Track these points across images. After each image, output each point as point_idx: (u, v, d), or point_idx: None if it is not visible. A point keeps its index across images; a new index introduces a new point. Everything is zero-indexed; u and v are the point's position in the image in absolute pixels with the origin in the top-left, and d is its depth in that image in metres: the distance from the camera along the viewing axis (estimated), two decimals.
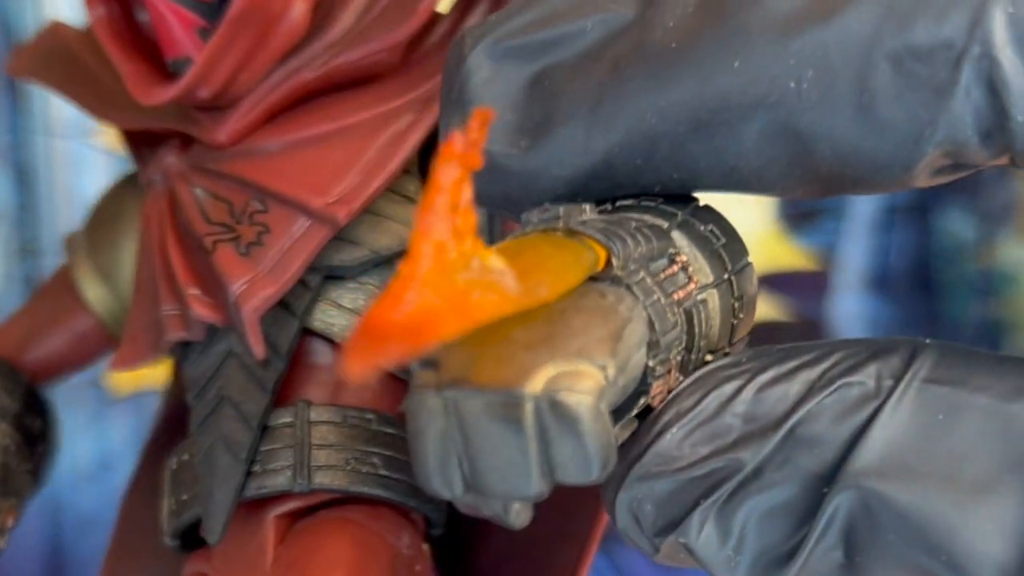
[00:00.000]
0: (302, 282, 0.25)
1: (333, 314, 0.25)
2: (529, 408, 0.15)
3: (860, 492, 0.17)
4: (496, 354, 0.15)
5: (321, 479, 0.24)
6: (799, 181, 0.18)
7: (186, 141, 0.26)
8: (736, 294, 0.19)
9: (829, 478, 0.17)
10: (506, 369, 0.15)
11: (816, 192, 0.18)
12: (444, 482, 0.15)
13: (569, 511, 0.26)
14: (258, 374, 0.25)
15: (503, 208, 0.20)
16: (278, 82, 0.25)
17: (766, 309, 0.49)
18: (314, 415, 0.25)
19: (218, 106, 0.25)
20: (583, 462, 0.15)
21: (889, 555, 0.17)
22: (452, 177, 0.14)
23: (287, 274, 0.24)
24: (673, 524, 0.18)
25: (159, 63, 0.25)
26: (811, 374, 0.18)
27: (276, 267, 0.24)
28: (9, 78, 0.49)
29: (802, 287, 0.50)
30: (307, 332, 0.25)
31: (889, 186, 0.18)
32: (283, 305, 0.25)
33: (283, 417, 0.25)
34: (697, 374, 0.19)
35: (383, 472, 0.25)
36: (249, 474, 0.24)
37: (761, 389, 0.18)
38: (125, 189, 0.29)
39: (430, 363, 0.15)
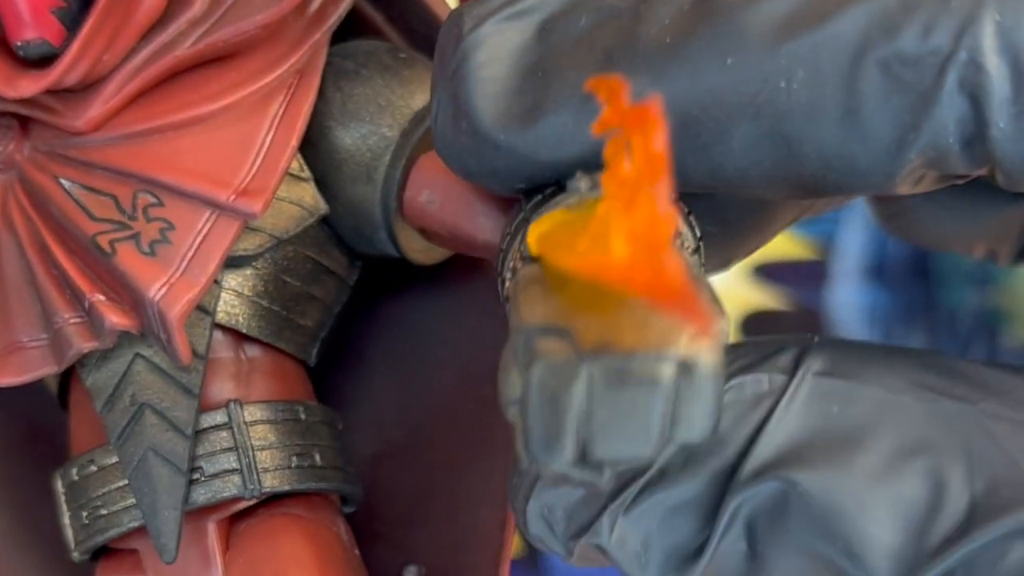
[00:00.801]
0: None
1: (236, 303, 0.25)
2: (672, 371, 0.15)
3: (761, 485, 0.18)
4: (631, 320, 0.15)
5: (271, 481, 0.24)
6: (783, 183, 0.18)
7: (23, 123, 0.24)
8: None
9: (731, 475, 0.18)
10: (649, 333, 0.15)
11: (799, 195, 0.19)
12: (558, 449, 0.15)
13: (475, 469, 0.26)
14: (178, 378, 0.24)
15: (488, 182, 0.20)
16: (143, 62, 0.23)
17: (764, 298, 0.49)
18: (247, 415, 0.24)
19: (71, 88, 0.23)
20: (706, 421, 0.15)
21: (790, 543, 0.18)
22: (663, 141, 0.15)
23: (206, 273, 0.23)
24: (584, 528, 0.19)
25: (2, 49, 0.23)
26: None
27: (191, 266, 0.23)
28: None
29: (800, 276, 0.49)
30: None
31: (871, 192, 0.18)
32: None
33: (214, 420, 0.24)
34: None
35: (321, 464, 0.25)
36: (191, 483, 0.23)
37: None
38: None
39: (555, 331, 0.15)
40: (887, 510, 0.17)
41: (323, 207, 0.25)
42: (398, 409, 0.27)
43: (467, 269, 0.27)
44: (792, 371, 0.18)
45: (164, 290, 0.23)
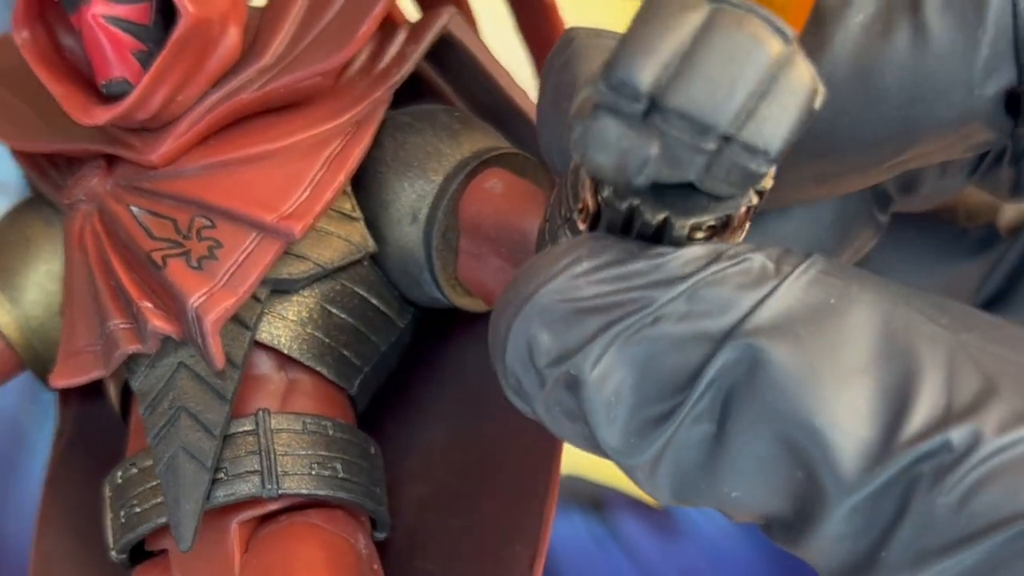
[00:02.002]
0: (253, 295, 0.25)
1: (280, 325, 0.26)
2: (779, 48, 0.16)
3: (747, 350, 0.18)
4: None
5: (289, 484, 0.25)
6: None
7: (110, 162, 0.27)
8: None
9: (720, 342, 0.18)
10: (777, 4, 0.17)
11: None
12: (642, 70, 0.16)
13: (516, 510, 0.27)
14: (214, 384, 0.25)
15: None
16: (213, 104, 0.26)
17: None
18: (275, 423, 0.25)
19: (149, 127, 0.26)
20: (780, 131, 0.16)
21: (762, 422, 0.18)
22: None
23: (244, 285, 0.25)
24: (567, 355, 0.18)
25: (86, 85, 0.26)
26: (720, 247, 0.18)
27: (232, 279, 0.25)
28: None
29: None
30: (254, 344, 0.26)
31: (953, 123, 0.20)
32: (234, 319, 0.25)
33: (243, 426, 0.25)
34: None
35: (343, 476, 0.26)
36: (214, 482, 0.25)
37: (674, 250, 0.18)
38: (30, 214, 0.29)
39: None
40: (863, 403, 0.17)
41: (371, 245, 0.27)
42: (447, 455, 0.28)
43: None
44: (799, 264, 0.18)
45: (204, 298, 0.24)
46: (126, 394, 0.28)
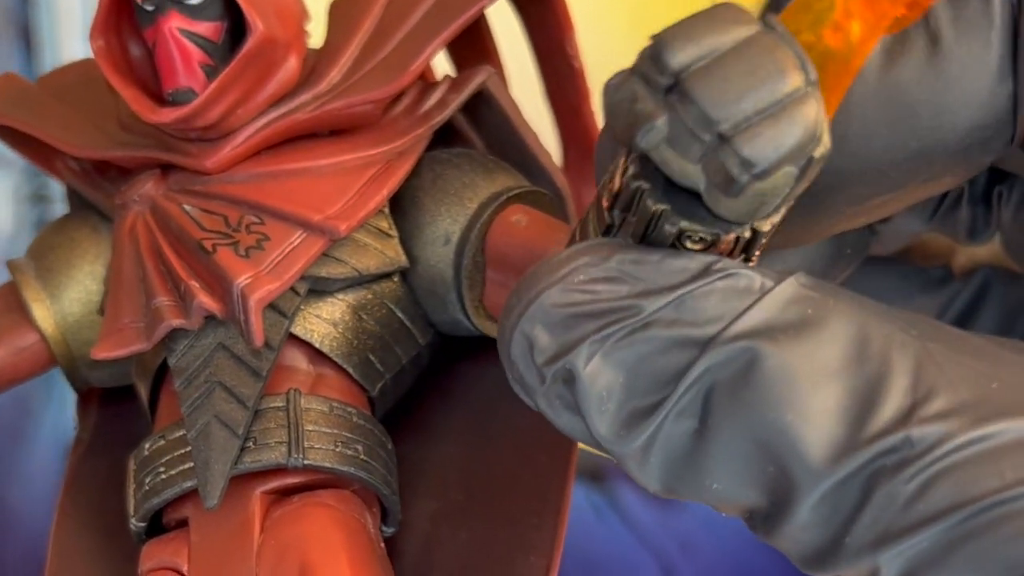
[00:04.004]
0: (292, 288, 0.27)
1: (314, 322, 0.28)
2: (802, 86, 0.18)
3: (727, 353, 0.19)
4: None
5: (313, 457, 0.26)
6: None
7: (164, 171, 0.28)
8: None
9: (704, 347, 0.20)
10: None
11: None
12: (682, 52, 0.18)
13: (530, 523, 0.28)
14: (250, 363, 0.27)
15: None
16: (270, 121, 0.28)
17: None
18: (304, 403, 0.27)
19: (206, 137, 0.28)
20: (773, 148, 0.18)
21: (737, 419, 0.19)
22: None
23: (288, 274, 0.26)
24: (563, 353, 0.20)
25: (151, 92, 0.28)
26: (709, 260, 0.20)
27: (277, 268, 0.26)
28: (23, 28, 0.51)
29: None
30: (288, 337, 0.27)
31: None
32: (274, 308, 0.27)
33: (274, 402, 0.27)
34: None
35: (364, 457, 0.27)
36: (242, 450, 0.26)
37: (665, 258, 0.20)
38: (76, 220, 0.31)
39: None
40: (835, 404, 0.19)
41: (404, 261, 0.28)
42: (461, 473, 0.29)
43: None
44: (781, 280, 0.20)
45: (249, 280, 0.26)
46: (153, 393, 0.29)
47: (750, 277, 0.20)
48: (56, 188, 0.50)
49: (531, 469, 0.28)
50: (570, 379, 0.20)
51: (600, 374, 0.20)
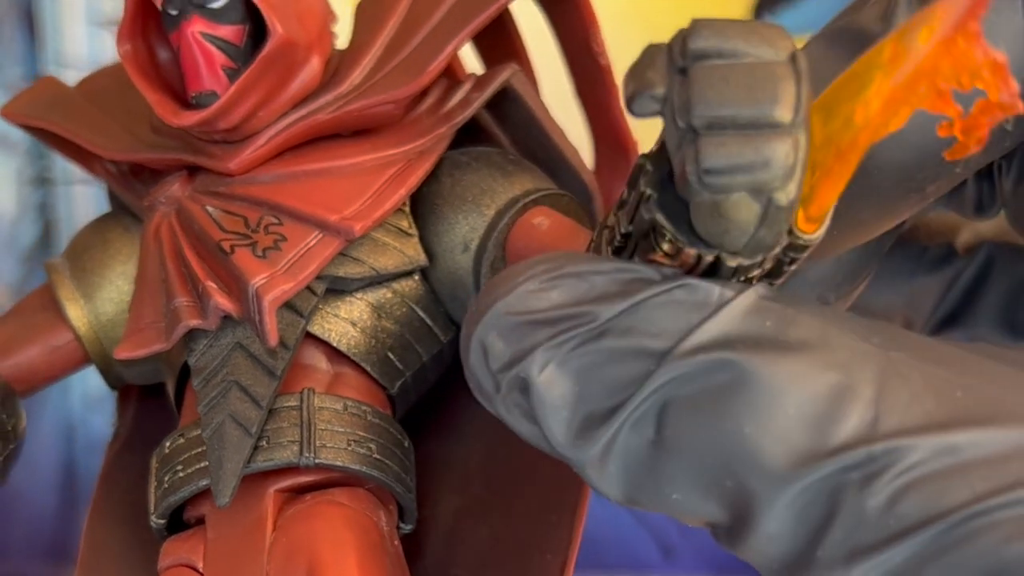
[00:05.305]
0: (309, 288, 0.27)
1: (332, 321, 0.28)
2: (788, 125, 0.18)
3: (687, 364, 0.19)
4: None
5: (325, 455, 0.26)
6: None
7: (191, 173, 0.29)
8: None
9: (660, 359, 0.19)
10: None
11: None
12: (705, 42, 0.18)
13: (547, 521, 0.28)
14: (266, 363, 0.27)
15: None
16: (291, 122, 0.28)
17: None
18: (318, 402, 0.27)
19: (230, 139, 0.28)
20: (729, 162, 0.18)
21: (693, 432, 0.19)
22: None
23: (303, 274, 0.27)
24: (517, 359, 0.20)
25: (176, 96, 0.28)
26: (666, 272, 0.20)
27: (292, 268, 0.27)
28: (26, 13, 0.52)
29: None
30: (305, 336, 0.28)
31: None
32: (290, 307, 0.27)
33: (288, 401, 0.27)
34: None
35: (377, 456, 0.27)
36: (255, 449, 0.26)
37: (622, 269, 0.20)
38: (110, 222, 0.31)
39: None
40: (794, 410, 0.18)
41: (423, 260, 0.29)
42: (483, 470, 0.30)
43: None
44: (740, 292, 0.20)
45: (265, 280, 0.26)
46: (179, 391, 0.29)
47: (707, 289, 0.20)
48: (59, 171, 0.51)
49: (550, 468, 0.28)
50: (525, 387, 0.20)
51: (554, 382, 0.20)
